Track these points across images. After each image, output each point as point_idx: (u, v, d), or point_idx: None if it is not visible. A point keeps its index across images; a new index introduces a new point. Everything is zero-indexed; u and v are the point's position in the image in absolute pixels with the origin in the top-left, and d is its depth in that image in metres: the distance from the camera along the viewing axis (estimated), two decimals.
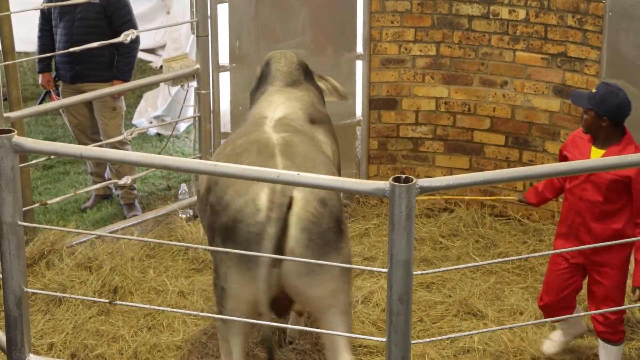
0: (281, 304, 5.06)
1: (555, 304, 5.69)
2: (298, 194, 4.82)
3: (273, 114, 5.54)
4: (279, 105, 5.64)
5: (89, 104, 7.91)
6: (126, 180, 7.38)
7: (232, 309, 4.95)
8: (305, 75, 6.00)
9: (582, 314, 5.42)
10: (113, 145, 7.59)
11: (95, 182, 8.03)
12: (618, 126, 5.46)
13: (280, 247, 4.77)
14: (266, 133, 5.25)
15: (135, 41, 7.62)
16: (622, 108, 5.44)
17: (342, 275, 4.97)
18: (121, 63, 7.81)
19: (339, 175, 5.77)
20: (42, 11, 7.81)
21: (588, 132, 5.51)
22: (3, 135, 3.86)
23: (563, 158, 5.70)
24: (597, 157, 5.43)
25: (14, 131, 3.90)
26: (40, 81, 8.13)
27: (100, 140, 7.83)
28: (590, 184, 5.47)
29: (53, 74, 8.21)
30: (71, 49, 7.18)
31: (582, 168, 4.00)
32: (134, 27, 7.64)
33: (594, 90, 5.49)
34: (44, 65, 8.05)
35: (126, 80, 7.83)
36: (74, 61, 7.74)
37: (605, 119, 5.42)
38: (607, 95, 5.43)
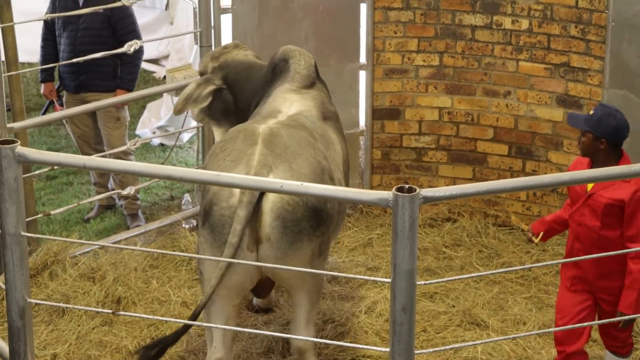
0: (263, 286, 5.36)
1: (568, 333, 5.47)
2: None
3: (288, 109, 5.79)
4: (294, 102, 5.86)
5: (92, 114, 7.92)
6: (129, 190, 7.38)
7: (208, 288, 5.08)
8: (317, 74, 6.18)
9: (591, 322, 5.37)
10: (117, 156, 7.59)
11: (98, 193, 8.03)
12: (616, 148, 5.36)
13: (256, 233, 5.02)
14: (258, 123, 5.49)
15: (139, 51, 7.63)
16: (620, 130, 5.33)
17: (313, 260, 5.24)
18: (125, 73, 7.82)
19: (347, 171, 5.99)
20: (46, 21, 7.82)
21: (586, 155, 5.39)
22: (6, 145, 3.87)
23: (569, 187, 5.58)
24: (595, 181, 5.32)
25: (17, 142, 3.91)
26: (42, 91, 8.14)
27: (104, 151, 7.83)
28: (588, 208, 5.35)
29: (56, 84, 8.22)
30: (75, 60, 7.19)
31: (584, 178, 4.00)
32: (138, 37, 7.65)
33: (591, 112, 5.39)
34: (47, 75, 8.06)
35: (130, 90, 7.83)
36: (78, 71, 7.75)
37: (604, 141, 5.31)
38: (605, 117, 5.32)
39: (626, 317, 4.82)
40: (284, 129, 5.41)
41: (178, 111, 6.62)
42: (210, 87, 6.49)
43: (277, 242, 5.07)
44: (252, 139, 5.26)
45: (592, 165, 5.39)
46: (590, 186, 5.35)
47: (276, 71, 6.13)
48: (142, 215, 8.06)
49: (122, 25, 7.71)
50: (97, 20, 7.69)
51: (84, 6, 7.60)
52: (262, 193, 5.00)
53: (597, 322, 5.55)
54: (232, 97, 6.52)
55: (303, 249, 5.17)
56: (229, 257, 4.96)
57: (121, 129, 7.94)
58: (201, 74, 6.64)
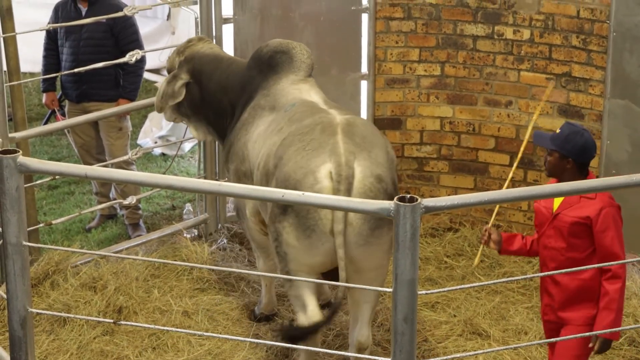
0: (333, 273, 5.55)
1: None
2: (357, 168, 5.37)
3: (311, 99, 6.06)
4: (310, 91, 6.16)
5: (94, 123, 7.92)
6: (131, 200, 7.39)
7: (296, 270, 5.49)
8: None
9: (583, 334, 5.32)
10: (118, 165, 7.59)
11: (100, 202, 8.03)
12: (583, 169, 5.16)
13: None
14: (330, 114, 5.74)
15: (142, 60, 7.64)
16: (587, 149, 5.13)
17: (388, 252, 5.48)
18: (127, 82, 7.82)
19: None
20: (48, 31, 7.83)
21: (552, 175, 5.21)
22: (8, 155, 3.87)
23: (536, 210, 5.35)
24: (558, 202, 5.16)
25: (18, 151, 3.91)
26: (44, 100, 8.14)
27: (106, 160, 7.83)
28: (554, 229, 5.15)
29: (58, 93, 8.23)
30: (77, 70, 7.20)
31: (585, 188, 4.00)
32: (140, 47, 7.66)
33: (557, 131, 5.19)
34: (49, 85, 8.07)
35: (132, 99, 7.84)
36: (80, 80, 7.75)
37: (570, 161, 5.12)
38: (572, 135, 5.12)
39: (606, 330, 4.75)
40: (357, 118, 5.75)
41: (160, 109, 6.80)
42: (180, 82, 6.67)
43: (359, 228, 5.32)
44: (332, 129, 5.52)
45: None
46: (555, 207, 5.17)
47: (273, 63, 6.29)
48: (143, 225, 8.06)
49: (125, 35, 7.72)
50: (99, 30, 7.70)
51: (87, 16, 7.61)
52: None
53: (563, 338, 5.12)
54: (198, 89, 6.67)
55: (383, 236, 5.42)
56: (340, 245, 5.28)
57: (123, 139, 7.94)
58: (169, 70, 6.82)
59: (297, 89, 6.18)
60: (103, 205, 7.68)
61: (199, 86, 6.64)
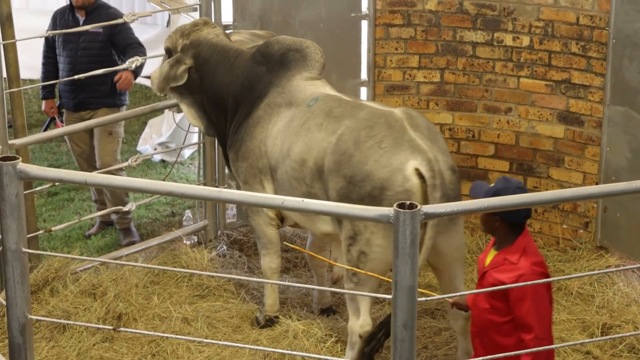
0: None
1: None
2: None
3: (333, 93, 6.25)
4: (325, 87, 6.34)
5: (91, 132, 7.93)
6: (131, 206, 7.38)
7: (370, 270, 5.51)
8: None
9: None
10: (107, 172, 7.63)
11: (99, 210, 8.02)
12: (514, 229, 4.81)
13: None
14: (387, 107, 5.96)
15: (139, 67, 7.66)
16: (517, 210, 4.72)
17: (463, 232, 5.98)
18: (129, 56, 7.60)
19: None
20: (47, 38, 7.84)
21: (485, 230, 4.96)
22: (8, 162, 3.87)
23: (478, 262, 5.11)
24: (490, 259, 4.88)
25: (18, 158, 3.91)
26: (43, 108, 8.14)
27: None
28: (481, 287, 4.86)
29: (57, 101, 8.22)
30: (74, 77, 7.19)
31: (587, 194, 3.99)
32: (140, 46, 7.71)
33: (491, 185, 4.93)
34: (47, 92, 8.07)
35: (136, 73, 7.79)
36: (77, 90, 7.76)
37: (498, 219, 4.80)
38: (502, 191, 4.76)
39: None
40: (409, 109, 5.93)
41: (160, 90, 6.78)
42: (183, 67, 6.65)
43: (441, 218, 5.38)
44: (399, 124, 5.72)
45: (495, 242, 4.91)
46: (486, 263, 4.90)
47: (285, 61, 6.39)
48: (135, 230, 8.04)
49: (123, 37, 7.70)
50: (97, 40, 7.71)
51: (85, 24, 7.62)
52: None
53: None
54: (199, 76, 6.67)
55: (459, 222, 5.79)
56: (431, 237, 5.50)
57: (112, 144, 7.90)
58: (169, 49, 6.78)
59: (312, 85, 6.31)
60: (102, 212, 7.67)
61: (200, 74, 6.66)
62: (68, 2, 7.93)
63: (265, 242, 6.51)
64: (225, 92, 6.57)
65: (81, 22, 7.70)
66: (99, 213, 7.76)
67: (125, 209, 7.39)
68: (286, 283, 4.05)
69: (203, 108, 6.74)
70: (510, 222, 4.81)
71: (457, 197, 5.67)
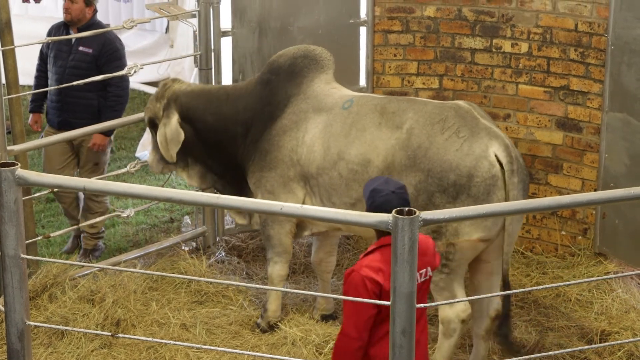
0: None
1: None
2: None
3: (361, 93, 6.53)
4: (343, 89, 6.52)
5: (76, 162, 7.81)
6: (129, 212, 7.36)
7: (460, 258, 5.84)
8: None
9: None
10: (88, 198, 7.70)
11: (72, 225, 7.85)
12: (380, 231, 4.67)
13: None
14: (445, 101, 6.17)
15: (122, 98, 7.64)
16: (377, 209, 4.56)
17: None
18: (104, 118, 7.54)
19: None
20: (41, 52, 7.79)
21: None
22: (6, 168, 3.87)
23: None
24: None
25: (17, 164, 3.91)
26: (29, 120, 7.97)
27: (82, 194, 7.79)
28: None
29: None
30: (56, 87, 7.11)
31: (585, 201, 4.00)
32: (124, 82, 7.61)
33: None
34: (36, 106, 7.94)
35: (108, 135, 7.67)
36: (62, 108, 7.64)
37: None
38: (373, 192, 4.71)
39: None
40: (464, 102, 6.08)
41: (170, 157, 6.73)
42: (174, 120, 6.63)
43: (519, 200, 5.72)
44: (470, 114, 5.91)
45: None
46: None
47: (296, 69, 6.47)
48: (100, 249, 7.95)
49: (108, 69, 7.46)
50: (85, 60, 7.61)
51: (76, 42, 7.59)
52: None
53: None
54: (190, 127, 6.67)
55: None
56: (519, 219, 5.95)
57: (97, 174, 7.68)
58: (151, 119, 6.78)
59: (334, 89, 6.46)
60: (101, 218, 7.63)
61: (190, 123, 6.66)
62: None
63: (281, 250, 6.52)
64: (232, 123, 6.59)
65: (73, 40, 7.62)
66: (100, 218, 7.66)
67: (124, 214, 7.37)
68: (286, 290, 4.04)
69: (204, 162, 6.77)
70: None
71: (528, 184, 5.93)
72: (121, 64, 7.59)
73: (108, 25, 8.24)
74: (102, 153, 7.78)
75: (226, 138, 6.60)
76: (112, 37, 7.73)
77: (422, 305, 3.96)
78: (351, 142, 6.10)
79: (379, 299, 4.52)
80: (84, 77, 7.19)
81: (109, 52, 7.62)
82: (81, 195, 7.89)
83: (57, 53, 7.66)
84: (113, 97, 7.63)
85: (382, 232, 4.66)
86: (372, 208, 4.66)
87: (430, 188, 5.79)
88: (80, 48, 7.63)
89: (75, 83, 7.04)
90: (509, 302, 5.99)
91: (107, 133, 7.67)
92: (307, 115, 6.34)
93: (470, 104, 6.07)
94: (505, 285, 5.84)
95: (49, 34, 7.73)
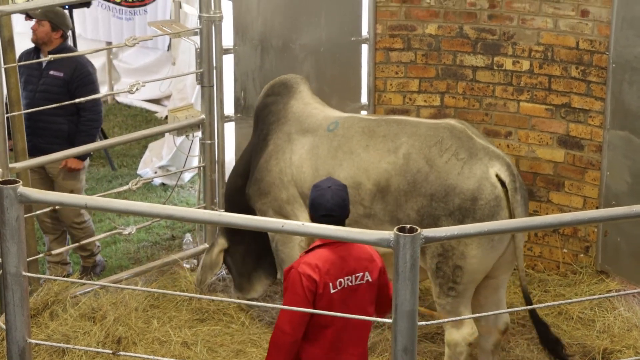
0: None
1: None
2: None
3: (344, 114, 6.51)
4: (326, 107, 6.60)
5: (50, 183, 7.68)
6: (131, 229, 7.35)
7: (468, 281, 5.80)
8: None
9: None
10: (70, 225, 7.65)
11: (50, 261, 7.78)
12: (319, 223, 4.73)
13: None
14: (433, 120, 6.21)
15: (97, 122, 7.57)
16: (313, 205, 4.87)
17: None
18: (78, 142, 7.43)
19: None
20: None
21: None
22: (8, 185, 3.87)
23: None
24: None
25: (19, 182, 3.91)
26: None
27: (60, 220, 7.73)
28: None
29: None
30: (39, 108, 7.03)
31: (587, 219, 3.99)
32: (97, 107, 7.56)
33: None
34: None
35: (82, 159, 7.56)
36: (33, 133, 7.36)
37: (310, 214, 4.95)
38: (313, 188, 4.93)
39: None
40: (456, 121, 6.10)
41: (200, 282, 6.94)
42: (217, 248, 6.90)
43: (525, 213, 5.82)
44: (465, 134, 5.90)
45: None
46: None
47: (268, 102, 6.60)
48: (100, 266, 7.90)
49: (81, 93, 7.35)
50: (56, 84, 7.53)
51: (47, 67, 7.51)
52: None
53: None
54: (240, 247, 6.93)
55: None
56: (522, 237, 5.91)
57: None
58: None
59: (315, 109, 6.45)
60: (99, 236, 7.59)
61: (239, 245, 6.91)
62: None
63: None
64: (242, 185, 6.83)
65: (44, 64, 7.53)
66: (95, 238, 7.62)
67: (126, 232, 7.36)
68: (285, 307, 4.04)
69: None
70: (311, 216, 4.95)
71: (528, 201, 5.98)
72: (94, 88, 7.56)
73: (76, 49, 8.11)
74: (76, 181, 7.66)
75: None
76: (84, 61, 7.65)
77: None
78: (339, 164, 6.10)
79: (315, 296, 4.74)
80: (55, 102, 7.10)
81: (80, 77, 7.55)
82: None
83: (28, 78, 7.53)
84: (86, 122, 7.55)
85: None
86: (309, 203, 4.91)
87: (436, 212, 5.78)
88: (51, 72, 7.54)
89: (44, 107, 6.93)
90: (537, 314, 6.07)
91: (82, 157, 7.56)
92: (291, 137, 6.37)
93: (463, 122, 6.07)
94: (527, 299, 5.90)
95: (20, 59, 7.37)
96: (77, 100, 7.15)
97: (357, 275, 4.87)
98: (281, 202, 6.35)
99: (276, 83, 6.69)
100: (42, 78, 7.57)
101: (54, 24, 7.57)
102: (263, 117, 6.60)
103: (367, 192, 5.97)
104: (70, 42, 9.82)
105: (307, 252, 4.89)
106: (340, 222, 4.86)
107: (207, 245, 7.64)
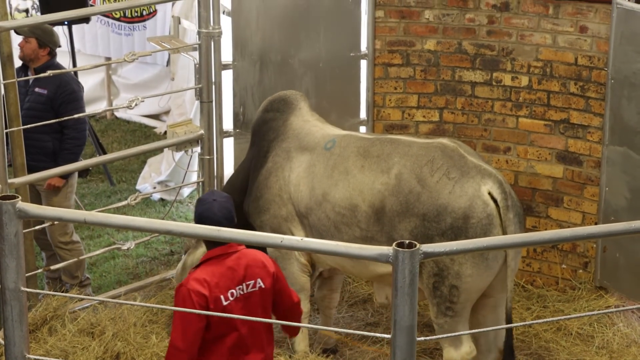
0: None
1: None
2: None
3: (342, 132, 6.48)
4: (325, 125, 6.57)
5: (38, 198, 7.63)
6: (130, 245, 7.34)
7: (465, 300, 5.79)
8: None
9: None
10: (57, 246, 7.57)
11: (49, 277, 7.78)
12: (208, 241, 4.97)
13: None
14: (425, 139, 6.12)
15: (80, 141, 7.55)
16: (201, 219, 4.92)
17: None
18: (62, 160, 7.44)
19: None
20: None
21: None
22: (7, 201, 3.87)
23: None
24: None
25: (18, 197, 3.91)
26: None
27: (48, 239, 7.66)
28: None
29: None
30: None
31: (585, 234, 3.99)
32: (81, 124, 7.52)
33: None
34: None
35: (64, 178, 7.52)
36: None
37: None
38: (197, 202, 5.04)
39: None
40: (452, 139, 6.11)
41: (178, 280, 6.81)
42: (200, 250, 6.69)
43: (520, 232, 5.75)
44: (456, 152, 5.88)
45: None
46: None
47: (267, 118, 6.60)
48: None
49: (65, 110, 7.36)
50: (40, 102, 7.52)
51: (33, 84, 7.51)
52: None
53: None
54: None
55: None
56: (515, 256, 5.78)
57: (61, 224, 7.48)
58: (187, 249, 6.92)
59: (314, 126, 6.43)
60: (98, 251, 7.59)
61: None
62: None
63: (299, 289, 6.47)
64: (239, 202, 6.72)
65: (30, 81, 7.53)
66: (100, 251, 7.62)
67: (124, 247, 7.35)
68: (283, 322, 4.04)
69: None
70: None
71: (523, 217, 5.94)
72: (78, 106, 7.54)
73: (64, 67, 8.03)
74: (62, 198, 7.62)
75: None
76: (69, 79, 7.65)
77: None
78: (334, 184, 6.09)
79: (207, 311, 4.78)
80: (40, 119, 7.08)
81: (65, 94, 7.53)
82: None
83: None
84: (69, 140, 7.53)
85: (209, 245, 4.93)
86: (196, 217, 4.96)
87: (429, 232, 5.75)
88: (36, 89, 7.53)
89: (30, 126, 6.85)
90: (512, 337, 5.98)
91: (64, 175, 7.51)
92: (290, 155, 6.37)
93: (455, 141, 6.05)
94: (508, 318, 5.83)
95: None
96: (60, 120, 7.13)
97: (248, 283, 4.93)
98: (280, 220, 6.33)
99: (275, 99, 6.68)
100: (28, 95, 7.55)
101: (41, 41, 7.57)
102: (262, 134, 6.58)
103: (363, 214, 5.95)
104: (69, 57, 9.90)
105: (196, 267, 4.93)
106: None
107: None
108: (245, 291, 4.93)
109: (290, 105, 6.57)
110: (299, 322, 5.41)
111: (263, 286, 4.96)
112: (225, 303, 4.85)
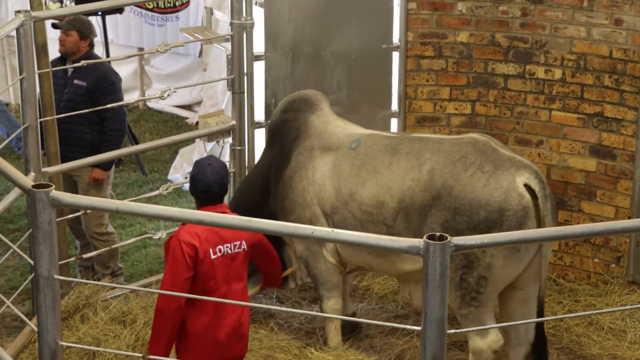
0: None
1: None
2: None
3: (366, 131, 6.45)
4: (347, 124, 6.55)
5: (75, 189, 7.66)
6: (161, 234, 7.37)
7: (491, 291, 5.81)
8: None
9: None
10: (91, 236, 7.63)
11: (81, 266, 7.82)
12: (198, 199, 5.33)
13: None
14: (459, 136, 6.10)
15: (119, 133, 7.59)
16: (193, 181, 5.30)
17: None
18: (102, 151, 7.44)
19: None
20: None
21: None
22: (41, 189, 3.90)
23: None
24: None
25: (51, 185, 3.94)
26: None
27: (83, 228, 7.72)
28: None
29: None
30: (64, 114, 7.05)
31: (619, 228, 3.97)
32: (120, 115, 7.58)
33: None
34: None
35: (105, 169, 7.57)
36: (58, 141, 7.28)
37: (190, 190, 5.36)
38: (194, 165, 5.35)
39: None
40: (479, 135, 6.07)
41: None
42: None
43: (553, 223, 5.79)
44: (488, 146, 5.86)
45: None
46: None
47: (288, 118, 6.57)
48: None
49: (104, 102, 7.33)
50: (79, 93, 7.56)
51: (72, 76, 7.56)
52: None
53: None
54: None
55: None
56: (550, 247, 5.82)
57: (95, 212, 7.47)
58: None
59: (336, 127, 6.41)
60: (129, 240, 7.59)
61: None
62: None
63: (331, 286, 6.48)
64: (259, 201, 6.78)
65: (69, 73, 7.59)
66: (133, 240, 7.63)
67: (156, 237, 7.39)
68: (313, 313, 4.05)
69: None
70: (190, 191, 5.35)
71: (556, 209, 5.96)
72: (117, 97, 7.55)
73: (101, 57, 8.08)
74: (100, 191, 7.65)
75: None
76: (107, 70, 7.68)
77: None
78: (362, 183, 6.07)
79: (196, 262, 5.14)
80: (78, 111, 7.13)
81: (104, 86, 7.56)
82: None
83: (54, 87, 7.53)
84: (110, 132, 7.58)
85: (202, 203, 5.27)
86: (190, 178, 5.30)
87: (459, 226, 5.73)
88: (75, 81, 7.58)
89: (66, 115, 6.93)
90: (543, 331, 5.96)
91: (105, 167, 7.57)
92: (314, 154, 6.34)
93: (485, 135, 6.04)
94: (540, 311, 5.81)
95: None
96: (98, 108, 7.18)
97: (235, 243, 5.29)
98: (304, 221, 6.28)
99: (295, 99, 6.64)
100: (67, 87, 7.60)
101: (82, 33, 7.61)
102: (283, 133, 6.53)
103: (390, 210, 5.94)
104: (102, 48, 9.94)
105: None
106: (219, 199, 5.29)
107: None
108: (232, 251, 5.26)
109: (311, 105, 6.54)
110: (279, 272, 5.87)
111: (246, 249, 5.33)
112: (213, 257, 5.18)
